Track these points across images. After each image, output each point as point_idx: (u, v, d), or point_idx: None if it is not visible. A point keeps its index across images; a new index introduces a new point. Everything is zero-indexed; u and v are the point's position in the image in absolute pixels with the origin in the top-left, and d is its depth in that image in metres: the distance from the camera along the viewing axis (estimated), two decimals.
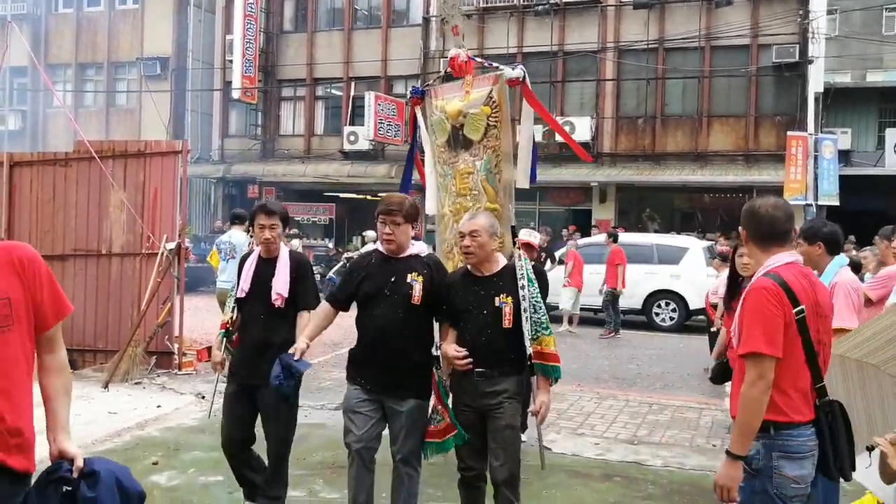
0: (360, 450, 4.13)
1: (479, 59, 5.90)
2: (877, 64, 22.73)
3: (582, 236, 19.42)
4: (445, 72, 5.81)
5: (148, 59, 26.94)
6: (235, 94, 25.19)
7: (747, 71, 21.17)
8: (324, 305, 4.45)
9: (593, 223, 21.69)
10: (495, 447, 4.01)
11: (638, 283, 14.69)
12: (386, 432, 4.25)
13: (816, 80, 20.46)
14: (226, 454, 4.79)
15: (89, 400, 7.82)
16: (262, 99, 26.25)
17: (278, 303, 4.59)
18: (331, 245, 23.95)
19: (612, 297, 13.80)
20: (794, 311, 2.92)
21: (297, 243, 10.09)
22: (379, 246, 4.34)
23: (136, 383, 8.53)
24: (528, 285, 4.10)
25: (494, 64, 5.58)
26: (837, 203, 19.32)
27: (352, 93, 25.32)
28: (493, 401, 4.01)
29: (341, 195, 25.71)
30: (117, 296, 9.21)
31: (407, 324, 4.12)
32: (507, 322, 4.02)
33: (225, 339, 4.86)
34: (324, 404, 7.77)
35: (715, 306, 9.21)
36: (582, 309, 14.82)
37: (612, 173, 22.17)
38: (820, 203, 19.41)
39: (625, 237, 15.60)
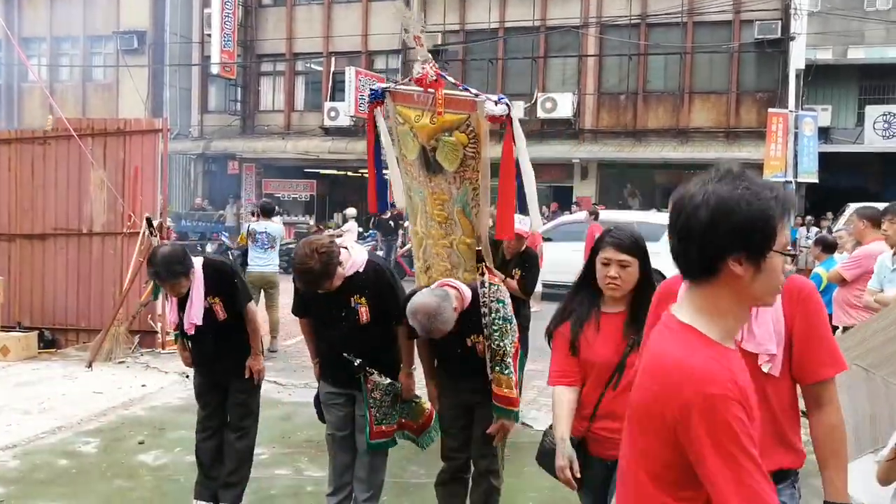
0: (336, 436, 4.34)
1: (450, 79, 5.22)
2: (858, 40, 22.78)
3: (563, 213, 19.51)
4: (409, 80, 5.24)
5: (124, 32, 26.53)
6: (214, 70, 24.93)
7: (729, 47, 21.21)
8: (300, 320, 4.47)
9: (574, 200, 21.76)
10: (481, 435, 3.99)
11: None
12: None
13: (798, 57, 20.53)
14: (198, 436, 4.73)
15: (73, 379, 7.82)
16: (241, 74, 25.99)
17: (191, 331, 4.47)
18: (311, 222, 23.90)
19: None
20: None
21: (277, 220, 10.04)
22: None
23: (119, 362, 8.53)
24: (500, 306, 3.88)
25: (472, 91, 4.98)
26: (816, 180, 19.49)
27: (332, 68, 25.13)
28: (479, 398, 3.97)
29: (322, 171, 25.59)
30: (99, 275, 9.19)
31: (361, 341, 4.10)
32: (480, 356, 3.92)
33: (182, 337, 4.68)
34: (307, 383, 7.79)
35: None
36: (564, 286, 14.88)
37: (593, 150, 22.20)
38: (799, 180, 19.57)
39: (605, 214, 15.65)
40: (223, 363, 4.57)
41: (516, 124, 4.70)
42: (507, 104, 4.73)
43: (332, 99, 24.66)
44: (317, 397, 4.51)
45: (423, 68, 4.85)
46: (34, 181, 9.41)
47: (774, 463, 2.30)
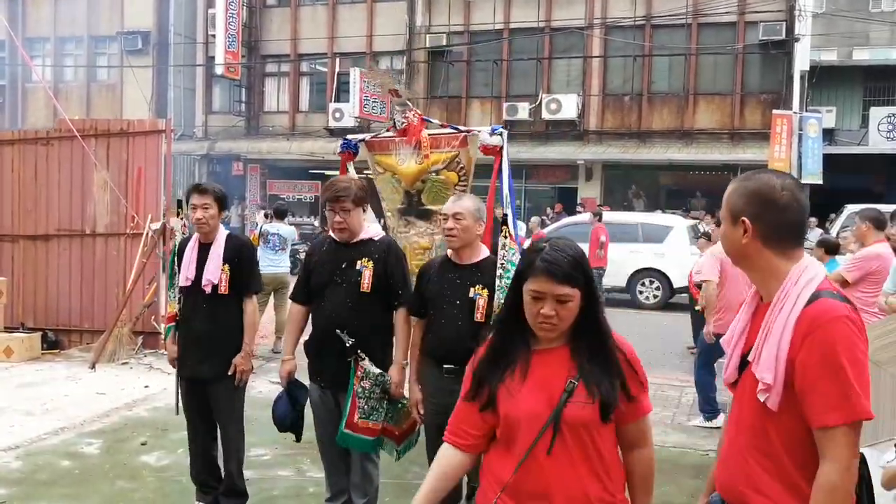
0: (325, 439, 4.25)
1: (434, 121, 5.34)
2: (863, 41, 22.76)
3: (568, 215, 19.48)
4: (388, 129, 5.28)
5: (128, 33, 26.59)
6: (218, 70, 24.96)
7: (734, 48, 21.19)
8: (294, 307, 4.36)
9: (579, 201, 21.75)
10: None
11: (622, 262, 14.78)
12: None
13: (802, 58, 20.51)
14: (189, 446, 4.71)
15: (77, 380, 7.84)
16: (245, 75, 26.03)
17: (208, 289, 4.42)
18: (317, 223, 23.89)
19: (597, 277, 13.90)
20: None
21: (287, 227, 10.04)
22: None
23: (123, 363, 8.55)
24: (505, 276, 3.92)
25: (463, 128, 5.09)
26: (821, 182, 19.44)
27: (337, 69, 25.14)
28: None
29: (327, 172, 25.55)
30: (102, 276, 9.20)
31: (358, 313, 4.00)
32: (479, 315, 3.88)
33: (176, 332, 4.65)
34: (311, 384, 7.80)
35: (699, 286, 9.29)
36: (622, 290, 15.12)
37: (598, 151, 22.19)
38: (803, 182, 19.50)
39: (610, 216, 15.68)
40: (209, 357, 4.45)
41: (505, 156, 4.81)
42: (500, 135, 4.84)
43: (337, 100, 24.68)
44: (280, 398, 4.42)
45: (406, 117, 4.93)
46: (37, 182, 9.44)
47: None
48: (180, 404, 4.71)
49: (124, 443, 5.99)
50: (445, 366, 3.93)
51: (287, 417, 4.41)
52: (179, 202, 8.82)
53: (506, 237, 4.25)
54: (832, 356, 1.90)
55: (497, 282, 3.93)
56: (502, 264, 3.98)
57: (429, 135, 5.08)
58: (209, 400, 4.55)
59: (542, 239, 2.26)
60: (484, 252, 4.07)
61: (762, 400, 2.00)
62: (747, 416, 2.09)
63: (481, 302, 3.90)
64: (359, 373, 4.02)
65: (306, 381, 4.33)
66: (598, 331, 2.24)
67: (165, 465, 5.57)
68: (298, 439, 4.55)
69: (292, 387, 4.38)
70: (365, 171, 5.45)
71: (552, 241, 2.22)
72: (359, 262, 4.03)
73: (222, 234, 4.54)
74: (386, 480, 5.17)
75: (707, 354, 6.95)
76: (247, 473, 5.09)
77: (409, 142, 5.04)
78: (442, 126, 5.31)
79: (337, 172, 5.62)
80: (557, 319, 2.16)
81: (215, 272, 4.42)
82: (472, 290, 3.92)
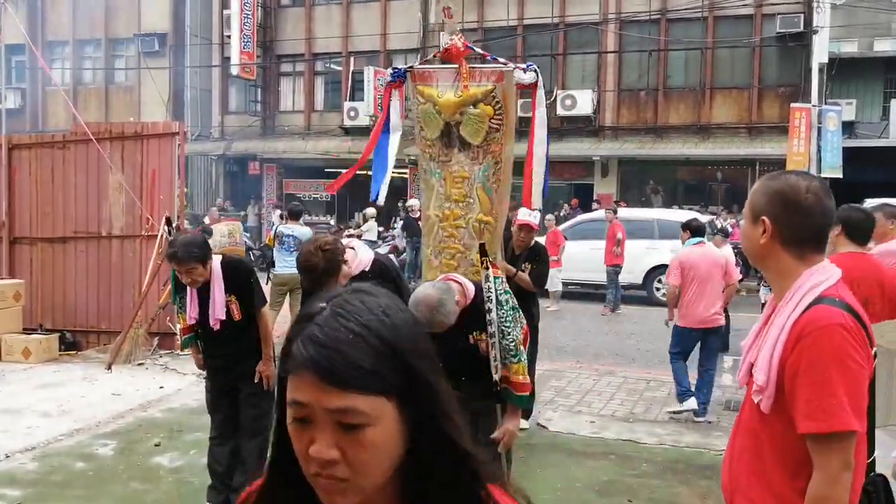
0: None
1: (478, 51, 5.39)
2: (884, 32, 22.42)
3: (583, 211, 19.40)
4: (434, 56, 5.42)
5: (146, 35, 26.77)
6: (234, 71, 25.06)
7: (751, 42, 20.99)
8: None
9: (595, 198, 21.65)
10: (487, 443, 3.85)
11: (639, 258, 14.70)
12: None
13: (821, 51, 20.25)
14: (211, 441, 4.77)
15: (93, 381, 7.91)
16: (261, 75, 26.12)
17: (217, 326, 4.51)
18: (332, 222, 23.96)
19: (614, 274, 13.82)
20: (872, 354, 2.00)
21: (307, 229, 10.04)
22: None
23: (138, 364, 8.61)
24: (497, 308, 3.79)
25: (501, 59, 5.13)
26: (840, 175, 19.21)
27: (351, 68, 25.18)
28: (481, 405, 3.86)
29: (342, 171, 25.61)
30: (118, 277, 9.28)
31: None
32: (482, 354, 3.83)
33: (197, 340, 4.76)
34: None
35: None
36: (583, 285, 14.92)
37: (614, 147, 22.07)
38: (822, 175, 19.30)
39: (625, 212, 15.59)
40: (236, 367, 4.59)
41: (540, 91, 4.87)
42: (535, 71, 4.90)
43: (352, 99, 24.70)
44: None
45: (452, 39, 4.95)
46: (54, 185, 9.54)
47: None
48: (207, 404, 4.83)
49: (138, 444, 6.04)
50: (462, 383, 3.88)
51: None
52: (168, 219, 8.49)
53: (486, 268, 3.93)
54: (818, 364, 1.87)
55: (487, 315, 3.76)
56: (489, 297, 3.80)
57: (470, 68, 5.06)
58: (239, 401, 4.65)
59: (326, 296, 1.10)
60: (470, 292, 3.83)
61: (756, 401, 2.00)
62: (746, 417, 2.11)
63: (483, 346, 3.81)
64: None
65: None
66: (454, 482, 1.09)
67: (179, 466, 5.61)
68: None
69: None
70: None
71: (341, 297, 1.09)
72: None
73: (217, 267, 4.52)
74: None
75: (676, 343, 7.17)
76: None
77: (447, 74, 5.03)
78: (483, 56, 5.32)
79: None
80: (345, 468, 1.02)
81: (221, 310, 4.49)
82: (469, 337, 3.81)
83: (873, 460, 2.12)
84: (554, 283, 12.89)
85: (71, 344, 9.27)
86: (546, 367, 8.54)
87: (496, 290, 3.83)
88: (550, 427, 6.57)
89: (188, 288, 4.54)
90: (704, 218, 16.01)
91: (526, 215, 6.48)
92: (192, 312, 4.57)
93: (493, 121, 4.79)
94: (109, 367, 8.38)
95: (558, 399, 7.53)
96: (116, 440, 6.12)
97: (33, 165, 9.64)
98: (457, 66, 4.99)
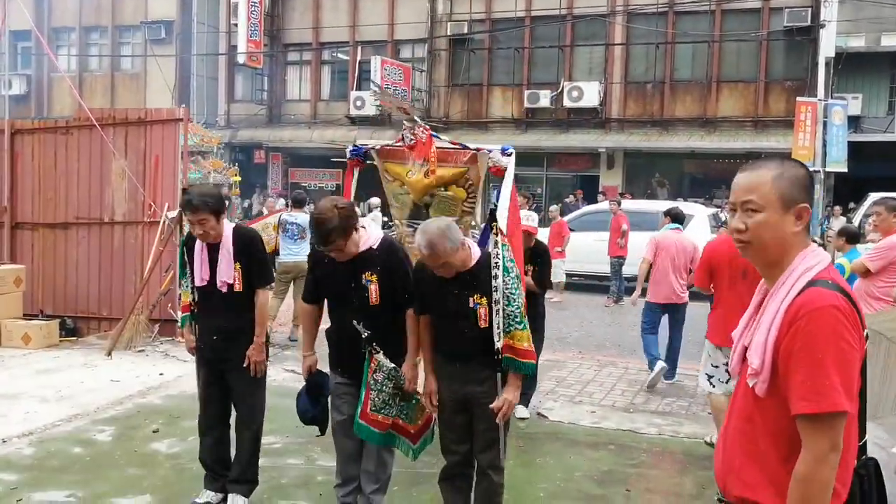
0: (344, 422, 4.25)
1: (443, 138, 5.24)
2: (892, 27, 22.26)
3: (588, 203, 19.36)
4: (397, 142, 5.22)
5: (152, 22, 26.76)
6: (241, 59, 25.07)
7: (758, 35, 20.89)
8: (305, 307, 4.39)
9: (600, 189, 21.61)
10: (483, 430, 3.89)
11: (642, 250, 14.62)
12: None
13: (828, 45, 20.17)
14: (200, 433, 4.70)
15: (93, 367, 7.91)
16: (267, 63, 26.10)
17: (224, 290, 4.45)
18: None
19: (618, 266, 13.80)
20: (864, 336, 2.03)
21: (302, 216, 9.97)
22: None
23: (139, 351, 8.61)
24: (504, 275, 3.79)
25: (472, 146, 5.02)
26: (845, 169, 19.15)
27: (358, 57, 25.13)
28: (479, 387, 3.85)
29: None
30: (120, 264, 9.27)
31: (371, 318, 4.04)
32: (482, 323, 3.77)
33: (192, 321, 4.68)
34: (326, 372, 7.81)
35: None
36: (587, 276, 14.91)
37: (620, 139, 22.02)
38: (828, 170, 19.25)
39: (630, 204, 15.54)
40: (229, 347, 4.49)
41: (511, 172, 4.80)
42: (510, 155, 4.84)
43: (359, 88, 24.68)
44: (301, 394, 4.48)
45: (416, 133, 4.87)
46: (57, 171, 9.52)
47: (761, 496, 2.01)
48: (198, 394, 4.71)
49: (136, 430, 6.03)
50: (459, 362, 3.89)
51: (308, 412, 4.47)
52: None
53: (496, 234, 4.01)
54: (811, 346, 1.89)
55: (493, 282, 3.76)
56: (496, 263, 3.80)
57: (437, 149, 5.00)
58: (229, 386, 4.59)
59: None
60: (475, 253, 3.86)
61: (751, 385, 2.02)
62: (740, 401, 2.12)
63: (482, 311, 3.77)
64: (372, 365, 4.06)
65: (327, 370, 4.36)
66: None
67: (176, 452, 5.61)
68: (322, 432, 4.54)
69: (315, 380, 4.41)
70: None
71: None
72: (363, 276, 4.02)
73: (228, 230, 4.51)
74: (396, 469, 5.18)
75: (645, 318, 8.01)
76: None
77: (418, 157, 5.00)
78: (451, 144, 5.23)
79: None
80: None
81: (228, 272, 4.44)
82: (470, 300, 3.78)
83: (864, 443, 2.12)
84: (557, 274, 12.85)
85: (71, 330, 9.27)
86: (548, 357, 8.51)
87: (503, 257, 3.83)
88: (551, 417, 6.55)
89: (198, 252, 4.47)
90: (710, 210, 15.98)
91: (524, 219, 6.43)
92: (202, 275, 4.47)
93: (465, 204, 4.68)
94: (110, 354, 8.37)
95: (559, 389, 7.51)
96: (114, 426, 6.12)
97: (36, 151, 9.62)
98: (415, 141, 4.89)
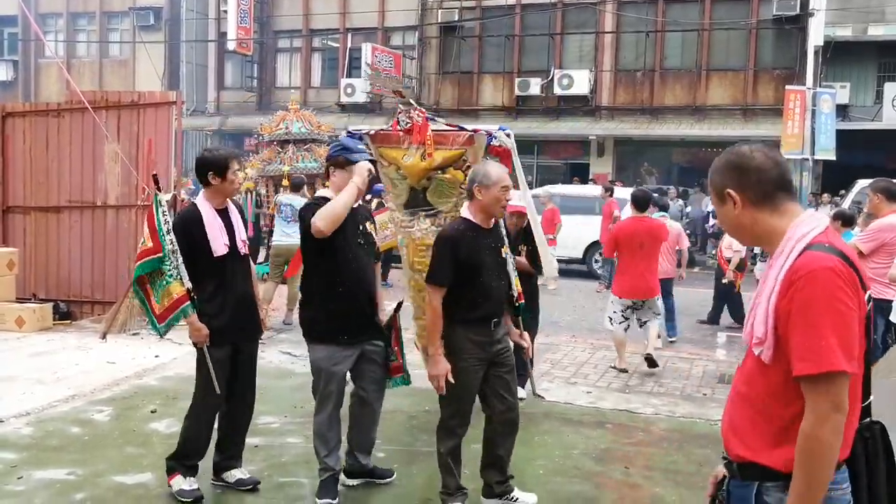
0: (336, 394, 4.43)
1: (440, 121, 5.19)
2: (878, 17, 22.39)
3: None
4: (397, 122, 5.10)
5: (141, 8, 26.55)
6: (231, 46, 24.92)
7: (747, 24, 20.96)
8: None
9: (591, 177, 21.66)
10: (503, 391, 4.18)
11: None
12: None
13: (816, 34, 20.27)
14: (207, 423, 4.60)
15: (87, 350, 7.89)
16: (257, 50, 25.95)
17: (244, 249, 4.53)
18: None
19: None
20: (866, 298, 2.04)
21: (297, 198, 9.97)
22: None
23: (133, 334, 8.59)
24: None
25: (468, 128, 5.00)
26: (834, 158, 19.25)
27: (348, 44, 25.03)
28: (500, 345, 4.18)
29: None
30: (113, 247, 9.23)
31: (373, 270, 4.50)
32: (512, 275, 4.38)
33: (195, 309, 4.36)
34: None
35: (729, 260, 9.60)
36: (580, 261, 15.04)
37: (610, 127, 22.07)
38: (816, 158, 19.35)
39: (622, 192, 15.57)
40: (249, 315, 4.56)
41: (515, 159, 5.00)
42: (510, 134, 4.98)
43: (349, 75, 24.60)
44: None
45: (411, 117, 4.88)
46: (49, 154, 9.46)
47: (761, 458, 2.05)
48: (215, 381, 4.43)
49: (134, 410, 6.03)
50: (494, 320, 4.14)
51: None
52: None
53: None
54: (808, 308, 1.93)
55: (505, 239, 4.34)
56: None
57: (434, 132, 4.97)
58: (236, 366, 4.54)
59: None
60: None
61: (757, 353, 2.06)
62: (746, 368, 2.17)
63: (510, 259, 4.36)
64: (396, 324, 4.60)
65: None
66: None
67: (175, 431, 5.55)
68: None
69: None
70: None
71: None
72: (367, 225, 4.40)
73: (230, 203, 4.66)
74: (395, 447, 5.21)
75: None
76: (256, 440, 5.15)
77: (415, 141, 4.98)
78: (449, 126, 5.21)
79: None
80: None
81: (243, 230, 4.60)
82: (502, 251, 4.23)
83: (868, 404, 2.14)
84: (553, 266, 12.87)
85: (64, 314, 9.23)
86: (541, 340, 8.55)
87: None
88: (547, 397, 6.59)
89: (209, 224, 4.35)
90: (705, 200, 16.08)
91: (517, 200, 6.44)
92: (223, 240, 4.37)
93: (463, 186, 4.62)
94: (104, 337, 8.36)
95: (554, 371, 7.56)
96: (112, 406, 6.11)
97: (27, 134, 9.55)
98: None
